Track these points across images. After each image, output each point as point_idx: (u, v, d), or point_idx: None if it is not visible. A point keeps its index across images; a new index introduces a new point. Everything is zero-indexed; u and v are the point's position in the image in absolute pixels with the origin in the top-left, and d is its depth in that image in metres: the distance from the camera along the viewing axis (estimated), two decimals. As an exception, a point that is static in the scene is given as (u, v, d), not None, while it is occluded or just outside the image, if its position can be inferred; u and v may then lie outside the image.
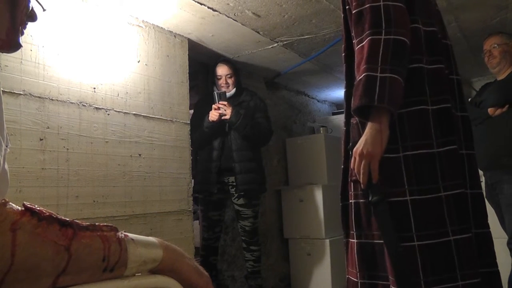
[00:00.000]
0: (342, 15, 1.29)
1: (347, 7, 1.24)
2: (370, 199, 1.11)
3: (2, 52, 0.73)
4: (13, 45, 0.72)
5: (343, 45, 1.31)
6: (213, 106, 2.71)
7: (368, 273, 1.18)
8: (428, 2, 1.24)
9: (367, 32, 1.09)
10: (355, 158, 1.12)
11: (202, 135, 2.78)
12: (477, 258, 1.11)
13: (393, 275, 1.08)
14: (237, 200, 2.82)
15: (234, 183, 2.78)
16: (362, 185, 1.13)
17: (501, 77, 2.50)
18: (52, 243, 0.50)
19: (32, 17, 0.75)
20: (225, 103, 2.70)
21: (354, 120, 1.20)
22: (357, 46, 1.14)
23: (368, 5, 1.11)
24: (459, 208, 1.11)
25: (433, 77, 1.15)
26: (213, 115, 2.70)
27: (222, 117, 2.69)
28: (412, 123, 1.13)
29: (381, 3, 1.09)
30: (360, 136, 1.16)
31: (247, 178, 2.76)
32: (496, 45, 2.46)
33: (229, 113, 2.68)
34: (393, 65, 1.05)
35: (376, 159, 1.09)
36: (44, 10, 0.78)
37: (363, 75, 1.06)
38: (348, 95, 1.27)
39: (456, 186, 1.12)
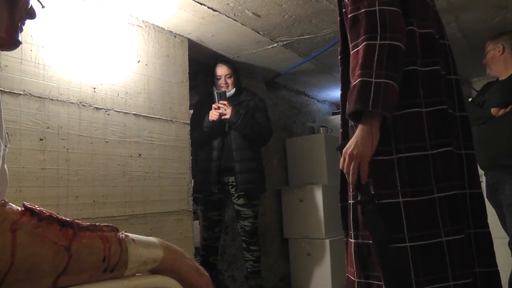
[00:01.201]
0: (339, 18, 1.30)
1: (343, 10, 1.24)
2: (358, 199, 1.13)
3: (2, 50, 0.73)
4: (12, 43, 0.72)
5: (339, 48, 1.32)
6: (213, 105, 2.71)
7: (364, 272, 1.19)
8: (425, 2, 1.24)
9: (362, 37, 1.10)
10: (344, 158, 1.13)
11: (202, 134, 2.78)
12: (471, 259, 1.12)
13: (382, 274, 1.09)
14: (237, 200, 2.82)
15: (234, 183, 2.78)
16: (351, 185, 1.14)
17: (503, 77, 2.50)
18: (52, 243, 0.50)
19: (31, 14, 0.75)
20: (225, 102, 2.70)
21: (351, 122, 1.20)
22: (352, 51, 1.14)
23: (363, 10, 1.11)
24: (453, 210, 1.11)
25: (428, 79, 1.16)
26: (213, 115, 2.70)
27: (222, 117, 2.69)
28: (406, 125, 1.13)
29: (377, 8, 1.09)
30: None
31: (247, 178, 2.76)
32: (486, 53, 2.50)
33: (229, 113, 2.68)
34: (388, 70, 1.06)
35: (366, 160, 1.10)
36: (43, 7, 0.78)
37: (358, 80, 1.07)
38: (344, 97, 1.28)
39: (451, 187, 1.12)
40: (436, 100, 1.15)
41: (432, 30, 1.21)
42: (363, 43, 1.09)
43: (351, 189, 1.21)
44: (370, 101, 1.04)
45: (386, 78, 1.05)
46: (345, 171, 1.14)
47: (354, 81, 1.09)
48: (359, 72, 1.08)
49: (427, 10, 1.24)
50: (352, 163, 1.11)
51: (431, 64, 1.17)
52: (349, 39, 1.18)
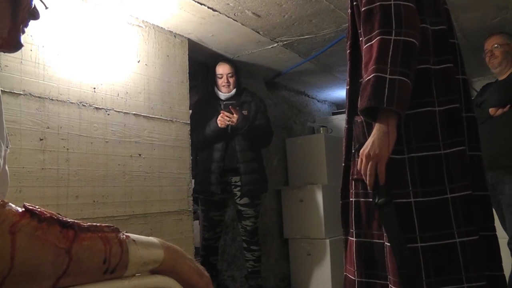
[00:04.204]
0: (349, 11, 1.27)
1: (354, 3, 1.22)
2: (376, 201, 1.10)
3: (4, 52, 0.72)
4: (14, 45, 0.72)
5: (348, 42, 1.29)
6: (222, 112, 2.69)
7: (366, 272, 1.18)
8: (437, 0, 1.23)
9: (376, 32, 1.08)
10: (361, 159, 1.11)
11: (207, 137, 2.77)
12: (484, 261, 1.10)
13: (396, 276, 1.07)
14: (239, 200, 2.82)
15: (238, 183, 2.79)
16: (368, 187, 1.12)
17: (502, 77, 2.50)
18: (52, 245, 0.49)
19: (34, 15, 0.74)
20: (234, 110, 2.68)
21: (359, 119, 1.18)
22: (365, 45, 1.12)
23: (378, 4, 1.09)
24: (466, 210, 1.09)
25: (441, 77, 1.14)
26: (222, 122, 2.68)
27: (229, 122, 2.69)
28: (418, 125, 1.12)
29: (392, 2, 1.07)
30: (364, 134, 1.15)
31: (252, 178, 2.78)
32: (497, 45, 2.45)
33: (235, 120, 2.67)
34: (403, 67, 1.04)
35: (383, 161, 1.08)
36: (46, 8, 0.78)
37: (372, 75, 1.05)
38: (351, 92, 1.26)
39: (464, 187, 1.10)
40: (449, 99, 1.13)
41: (445, 27, 1.19)
42: (377, 38, 1.07)
43: (359, 187, 1.19)
44: (385, 97, 1.02)
45: (401, 75, 1.03)
46: (362, 172, 1.12)
47: (368, 76, 1.07)
48: (373, 67, 1.06)
49: (438, 7, 1.22)
50: (369, 164, 1.09)
51: (443, 62, 1.15)
52: (361, 33, 1.16)
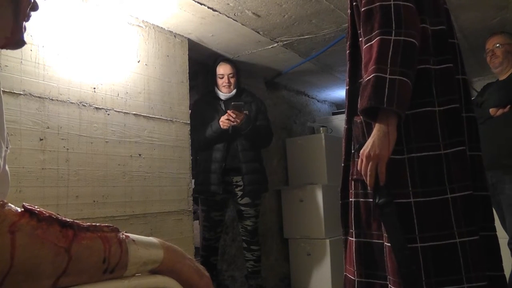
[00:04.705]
0: (349, 11, 1.27)
1: (354, 3, 1.22)
2: (377, 201, 1.10)
3: (7, 49, 0.72)
4: (18, 43, 0.72)
5: (348, 42, 1.29)
6: (228, 112, 2.68)
7: (366, 271, 1.18)
8: (437, 0, 1.22)
9: (376, 32, 1.08)
10: (362, 160, 1.10)
11: (208, 138, 2.76)
12: (485, 261, 1.09)
13: (396, 276, 1.07)
14: (240, 200, 2.83)
15: (240, 183, 2.79)
16: (369, 187, 1.12)
17: (503, 77, 2.50)
18: (52, 244, 0.49)
19: (34, 7, 0.75)
20: (238, 113, 2.67)
21: (358, 119, 1.18)
22: (365, 45, 1.12)
23: (378, 4, 1.09)
24: (467, 210, 1.09)
25: (441, 77, 1.14)
26: (225, 123, 2.68)
27: (232, 124, 2.69)
28: (418, 125, 1.11)
29: (392, 2, 1.07)
30: (363, 135, 1.15)
31: (253, 178, 2.79)
32: (499, 45, 2.46)
33: (239, 121, 2.67)
34: (403, 67, 1.04)
35: (383, 162, 1.08)
36: None
37: (372, 75, 1.05)
38: (351, 92, 1.26)
39: (464, 187, 1.10)
40: (449, 99, 1.13)
41: (444, 27, 1.19)
42: (377, 38, 1.07)
43: (359, 187, 1.19)
44: (385, 97, 1.02)
45: (401, 75, 1.03)
46: (362, 173, 1.11)
47: (368, 76, 1.07)
48: (373, 67, 1.05)
49: (438, 7, 1.22)
50: (370, 165, 1.08)
51: (444, 62, 1.15)
52: (361, 33, 1.16)
